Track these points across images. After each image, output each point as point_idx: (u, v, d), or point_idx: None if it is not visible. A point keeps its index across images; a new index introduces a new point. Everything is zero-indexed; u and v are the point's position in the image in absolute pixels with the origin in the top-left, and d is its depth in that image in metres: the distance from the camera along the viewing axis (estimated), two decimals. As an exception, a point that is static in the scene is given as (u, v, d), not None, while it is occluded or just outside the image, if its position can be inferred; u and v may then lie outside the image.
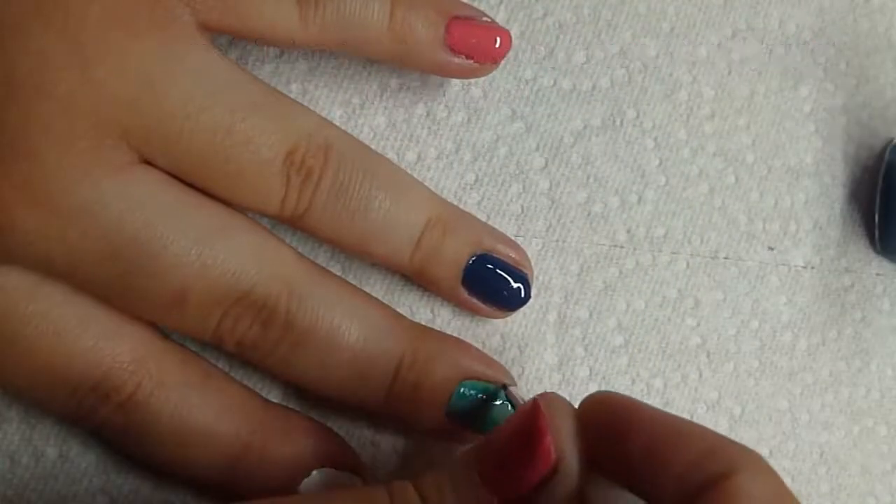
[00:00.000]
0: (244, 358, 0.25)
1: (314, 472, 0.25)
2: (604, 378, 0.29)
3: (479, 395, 0.25)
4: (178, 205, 0.23)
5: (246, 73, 0.24)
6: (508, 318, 0.28)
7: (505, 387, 0.26)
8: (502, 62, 0.27)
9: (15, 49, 0.21)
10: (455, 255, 0.26)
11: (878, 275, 0.31)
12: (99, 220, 0.22)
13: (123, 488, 0.26)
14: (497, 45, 0.26)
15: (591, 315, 0.29)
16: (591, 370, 0.29)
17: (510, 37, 0.26)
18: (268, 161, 0.24)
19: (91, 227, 0.22)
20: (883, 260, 0.31)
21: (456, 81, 0.28)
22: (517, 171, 0.29)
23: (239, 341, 0.24)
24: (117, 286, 0.23)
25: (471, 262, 0.26)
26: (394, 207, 0.25)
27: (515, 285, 0.27)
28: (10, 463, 0.26)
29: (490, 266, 0.26)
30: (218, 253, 0.23)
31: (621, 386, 0.29)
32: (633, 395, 0.29)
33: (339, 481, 0.25)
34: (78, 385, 0.23)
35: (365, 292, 0.26)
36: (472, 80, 0.28)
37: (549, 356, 0.28)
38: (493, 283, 0.26)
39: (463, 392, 0.25)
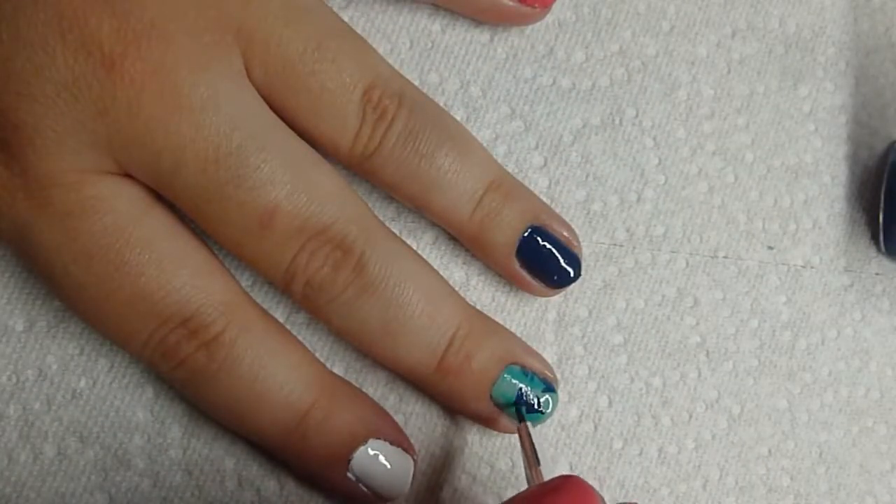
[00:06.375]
0: (308, 304, 0.25)
1: (370, 441, 0.25)
2: (603, 377, 0.29)
3: (520, 387, 0.26)
4: (277, 128, 0.24)
5: (332, 10, 0.25)
6: (508, 316, 0.28)
7: (541, 397, 0.26)
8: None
9: None
10: (514, 221, 0.26)
11: (877, 274, 0.31)
12: (214, 118, 0.23)
13: (122, 486, 0.26)
14: None
15: (590, 313, 0.29)
16: (590, 369, 0.29)
17: None
18: (348, 86, 0.24)
19: (205, 123, 0.23)
20: (883, 259, 0.31)
21: (454, 79, 0.28)
22: (516, 170, 0.29)
23: (308, 280, 0.24)
24: (213, 196, 0.23)
25: (526, 233, 0.26)
26: (459, 162, 0.25)
27: (566, 264, 0.27)
28: (9, 461, 0.26)
29: (544, 241, 0.26)
30: (309, 179, 0.24)
31: (620, 384, 0.29)
32: (632, 394, 0.29)
33: (391, 456, 0.25)
34: (170, 317, 0.23)
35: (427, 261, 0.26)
36: (471, 79, 0.28)
37: (548, 354, 0.28)
38: (546, 257, 0.26)
39: (508, 378, 0.26)
